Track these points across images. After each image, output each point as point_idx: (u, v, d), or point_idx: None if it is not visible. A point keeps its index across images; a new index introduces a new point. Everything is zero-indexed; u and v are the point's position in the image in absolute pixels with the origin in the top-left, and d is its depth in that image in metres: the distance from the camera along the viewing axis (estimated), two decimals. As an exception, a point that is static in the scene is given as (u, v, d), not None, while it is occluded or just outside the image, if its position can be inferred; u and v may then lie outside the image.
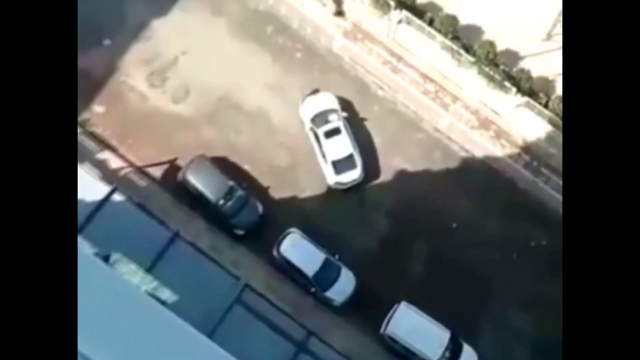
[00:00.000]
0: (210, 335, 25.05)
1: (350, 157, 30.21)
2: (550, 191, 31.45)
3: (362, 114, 32.10)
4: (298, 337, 25.83)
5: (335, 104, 31.02)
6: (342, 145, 30.25)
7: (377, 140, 31.82)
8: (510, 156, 32.13)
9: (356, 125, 31.49)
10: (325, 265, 28.47)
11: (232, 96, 31.67)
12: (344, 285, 28.61)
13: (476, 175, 31.70)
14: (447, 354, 27.76)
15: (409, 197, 31.04)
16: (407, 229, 30.38)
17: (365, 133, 31.72)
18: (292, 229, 29.02)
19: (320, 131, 30.26)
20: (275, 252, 28.75)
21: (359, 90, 32.44)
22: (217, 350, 18.08)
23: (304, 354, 25.70)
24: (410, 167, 31.68)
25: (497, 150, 32.22)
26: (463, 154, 32.04)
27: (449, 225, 30.70)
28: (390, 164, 31.57)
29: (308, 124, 30.76)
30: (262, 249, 29.01)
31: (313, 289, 28.67)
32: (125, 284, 19.26)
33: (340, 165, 30.11)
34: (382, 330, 28.24)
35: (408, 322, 27.91)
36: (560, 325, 30.12)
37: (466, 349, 28.25)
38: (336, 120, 30.49)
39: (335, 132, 30.33)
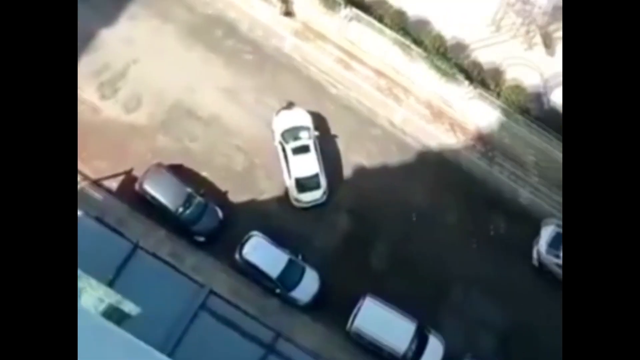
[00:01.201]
0: (177, 343, 25.03)
1: (315, 176, 29.99)
2: (506, 180, 32.02)
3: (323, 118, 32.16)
4: (265, 339, 25.77)
5: (307, 122, 30.73)
6: (308, 164, 30.01)
7: (334, 142, 31.95)
8: (465, 147, 32.59)
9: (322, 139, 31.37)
10: (289, 266, 28.54)
11: (185, 103, 31.50)
12: (308, 285, 28.71)
13: (433, 167, 32.08)
14: (414, 345, 28.05)
15: (369, 193, 31.26)
16: (368, 224, 30.61)
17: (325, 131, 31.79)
18: (254, 232, 29.01)
19: (289, 147, 30.03)
20: (237, 256, 28.71)
21: (313, 89, 32.54)
22: None
23: (273, 356, 25.69)
24: (368, 163, 31.93)
25: (452, 141, 32.64)
26: (419, 147, 32.38)
27: (409, 218, 31.01)
28: (348, 161, 31.76)
29: (278, 138, 30.51)
30: (224, 254, 28.94)
31: (278, 290, 28.73)
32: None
33: (304, 184, 29.92)
34: (348, 326, 28.42)
35: (374, 316, 28.14)
36: (523, 309, 30.87)
37: (432, 339, 28.58)
38: (306, 138, 30.24)
39: (303, 149, 30.09)
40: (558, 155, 30.97)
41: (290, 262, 28.67)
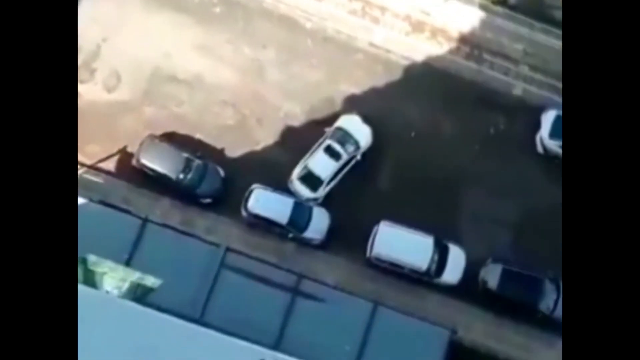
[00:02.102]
0: (205, 305, 25.69)
1: (320, 182, 29.24)
2: (497, 75, 31.59)
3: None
4: (290, 283, 26.45)
5: (361, 138, 29.77)
6: (327, 167, 29.23)
7: (318, 73, 31.69)
8: (450, 52, 32.04)
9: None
10: (296, 209, 28.75)
11: (164, 69, 31.31)
12: (319, 223, 28.96)
13: (422, 79, 31.72)
14: (436, 258, 28.41)
15: (364, 119, 31.13)
16: (368, 150, 30.55)
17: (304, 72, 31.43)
18: (255, 185, 29.14)
19: (328, 142, 29.48)
20: (244, 212, 28.95)
21: (288, 27, 32.07)
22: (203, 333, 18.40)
23: (300, 297, 26.32)
24: (357, 89, 31.64)
25: (437, 49, 32.11)
26: (405, 62, 32.00)
27: (408, 135, 30.93)
28: (337, 92, 31.50)
29: (331, 128, 30.02)
30: (233, 210, 29.18)
31: (291, 235, 29.03)
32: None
33: (307, 177, 29.36)
34: (368, 254, 28.78)
35: (391, 240, 28.40)
36: (535, 199, 31.04)
37: (452, 248, 28.90)
38: (347, 150, 29.47)
39: (335, 154, 29.43)
40: (544, 40, 30.38)
41: (296, 205, 28.87)
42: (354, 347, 25.75)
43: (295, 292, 26.27)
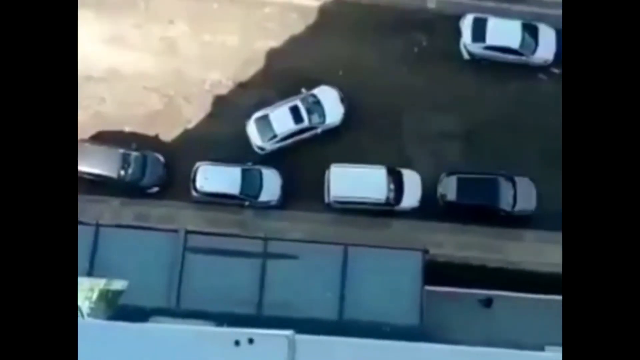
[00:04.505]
0: (179, 292, 25.54)
1: (273, 135, 28.86)
2: (408, -8, 31.48)
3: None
4: (258, 249, 26.35)
5: (331, 114, 29.34)
6: (284, 125, 28.85)
7: (232, 36, 31.12)
8: (358, -18, 31.78)
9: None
10: (245, 176, 28.60)
11: (78, 70, 30.41)
12: (271, 184, 28.86)
13: (337, 16, 31.29)
14: (392, 187, 28.66)
15: (290, 71, 30.76)
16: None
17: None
18: (198, 163, 28.88)
19: (296, 102, 29.15)
20: (194, 192, 28.77)
21: (190, 3, 31.39)
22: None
23: (271, 260, 26.29)
24: (275, 42, 31.17)
25: (344, -17, 31.79)
26: (316, 3, 31.60)
27: (336, 74, 30.68)
28: (256, 50, 30.98)
29: (307, 92, 29.67)
30: (183, 193, 28.91)
31: (247, 203, 28.96)
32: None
33: (263, 125, 28.93)
34: (326, 200, 28.92)
35: (345, 180, 28.55)
36: (473, 105, 31.42)
37: (406, 172, 29.16)
38: (312, 119, 29.06)
39: (298, 118, 29.01)
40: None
41: (244, 172, 28.70)
42: (334, 292, 25.93)
43: (265, 255, 26.21)
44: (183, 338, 16.79)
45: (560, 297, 27.03)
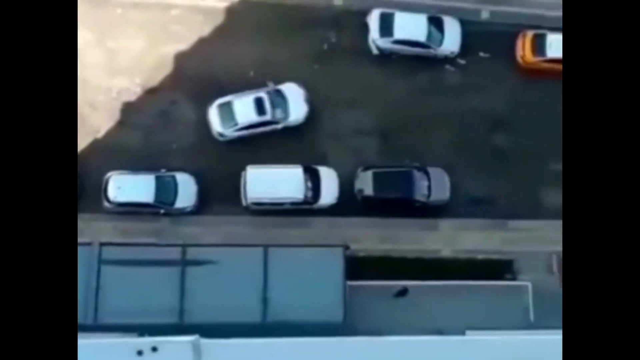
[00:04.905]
0: (96, 307, 24.79)
1: (234, 122, 28.83)
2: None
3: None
4: (176, 257, 25.92)
5: (295, 112, 29.39)
6: (246, 115, 28.83)
7: (138, 41, 30.45)
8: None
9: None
10: (158, 183, 28.16)
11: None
12: (186, 190, 28.52)
13: (244, 17, 31.07)
14: (309, 185, 28.71)
15: (202, 75, 30.24)
16: (209, 102, 29.86)
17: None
18: (109, 173, 28.27)
19: (260, 94, 29.12)
20: (106, 203, 28.13)
21: (92, 3, 30.39)
22: None
23: (191, 267, 25.87)
24: (182, 46, 30.71)
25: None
26: (223, 4, 31.28)
27: (247, 75, 30.42)
28: (163, 54, 30.36)
29: (274, 86, 29.61)
30: (94, 204, 28.11)
31: (162, 210, 28.48)
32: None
33: (225, 112, 28.90)
34: (244, 202, 28.69)
35: (261, 181, 28.43)
36: (386, 99, 31.74)
37: (322, 170, 29.20)
38: (275, 114, 29.08)
39: (261, 110, 28.96)
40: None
41: (158, 180, 28.25)
42: (258, 294, 25.76)
43: (184, 263, 25.80)
44: (81, 353, 16.16)
45: (477, 283, 27.82)
